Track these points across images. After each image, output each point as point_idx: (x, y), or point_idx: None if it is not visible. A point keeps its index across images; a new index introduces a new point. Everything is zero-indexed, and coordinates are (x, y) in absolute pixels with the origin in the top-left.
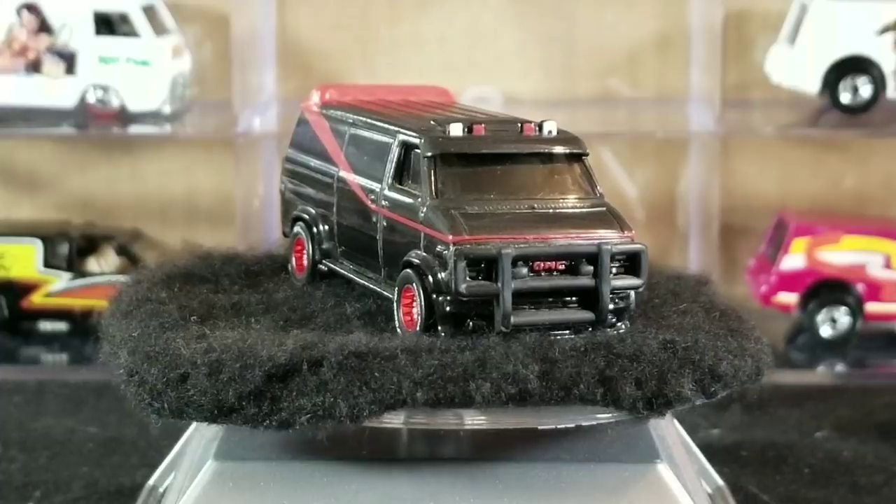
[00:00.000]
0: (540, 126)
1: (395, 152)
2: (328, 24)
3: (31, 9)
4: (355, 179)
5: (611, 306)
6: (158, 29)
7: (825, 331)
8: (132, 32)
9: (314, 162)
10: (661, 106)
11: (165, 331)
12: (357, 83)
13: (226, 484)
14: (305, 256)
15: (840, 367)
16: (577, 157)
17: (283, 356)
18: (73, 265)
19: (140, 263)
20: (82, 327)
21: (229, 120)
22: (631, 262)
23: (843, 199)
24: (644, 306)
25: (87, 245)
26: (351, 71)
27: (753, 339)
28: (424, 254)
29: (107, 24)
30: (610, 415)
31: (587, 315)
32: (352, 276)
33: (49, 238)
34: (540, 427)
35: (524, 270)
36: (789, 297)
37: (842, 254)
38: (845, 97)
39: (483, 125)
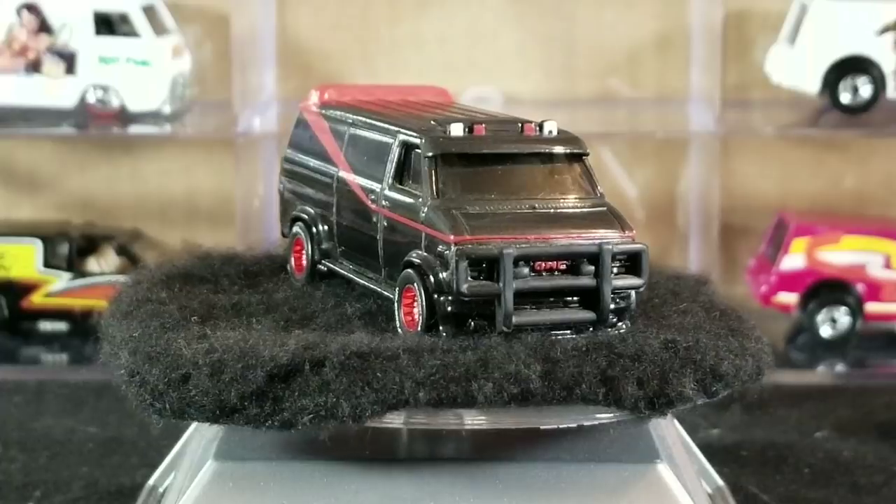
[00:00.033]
0: (540, 126)
1: (395, 152)
2: (328, 24)
3: (31, 9)
4: (355, 179)
5: (612, 306)
6: (158, 29)
7: (825, 331)
8: (132, 32)
9: (313, 162)
10: (661, 106)
11: (166, 331)
12: (357, 83)
13: (226, 484)
14: (304, 256)
15: (840, 367)
16: (577, 157)
17: (286, 356)
18: (73, 265)
19: (140, 263)
20: (82, 327)
21: (229, 120)
22: (632, 262)
23: (843, 199)
24: (644, 306)
25: (87, 245)
26: (351, 71)
27: (754, 338)
28: (425, 254)
29: (107, 24)
30: (611, 414)
31: (588, 315)
32: (352, 276)
33: (49, 238)
34: (542, 427)
35: (525, 270)
36: (789, 297)
37: (842, 254)
38: (845, 97)
39: (484, 125)
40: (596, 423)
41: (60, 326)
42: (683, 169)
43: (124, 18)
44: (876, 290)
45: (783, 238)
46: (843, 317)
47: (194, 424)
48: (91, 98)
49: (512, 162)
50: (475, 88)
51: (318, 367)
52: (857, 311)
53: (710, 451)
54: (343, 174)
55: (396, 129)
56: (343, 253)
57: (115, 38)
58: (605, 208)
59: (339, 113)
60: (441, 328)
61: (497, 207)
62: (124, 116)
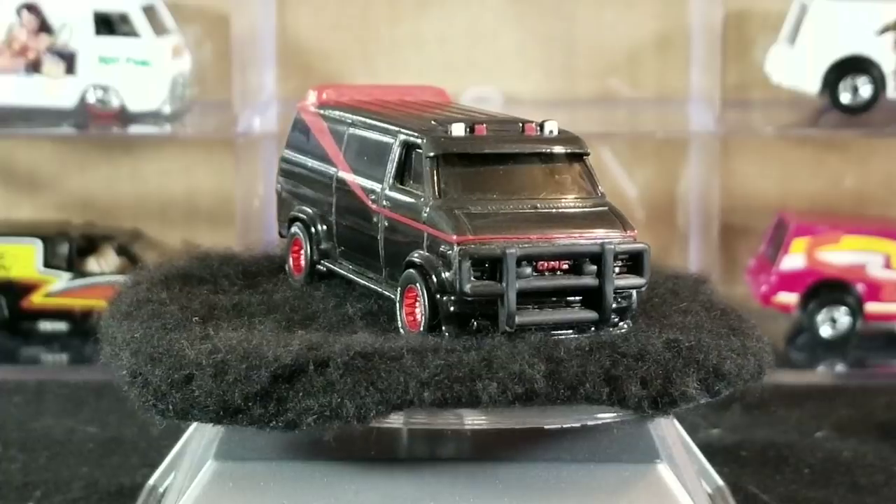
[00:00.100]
0: (541, 126)
1: (396, 152)
2: (328, 24)
3: (31, 9)
4: (355, 180)
5: (614, 306)
6: (158, 29)
7: (825, 331)
8: (132, 32)
9: (312, 162)
10: (661, 106)
11: (168, 332)
12: (356, 83)
13: (226, 484)
14: (303, 257)
15: (840, 367)
16: (578, 157)
17: (289, 357)
18: (73, 265)
19: (140, 263)
20: (82, 327)
21: (229, 120)
22: (633, 262)
23: (843, 199)
24: (644, 305)
25: (87, 245)
26: (351, 71)
27: (755, 337)
28: (427, 254)
29: (107, 24)
30: (615, 414)
31: (591, 314)
32: (352, 276)
33: (49, 238)
34: (546, 426)
35: (528, 270)
36: (789, 297)
37: (842, 254)
38: (845, 97)
39: (485, 125)
40: (598, 422)
41: (60, 326)
42: (683, 169)
43: (124, 18)
44: (876, 290)
45: (783, 238)
46: (843, 317)
47: (194, 424)
48: (91, 98)
49: (513, 162)
50: (475, 88)
51: (322, 367)
52: (857, 311)
53: (710, 451)
54: (342, 174)
55: (397, 129)
56: (342, 253)
57: (115, 38)
58: (606, 208)
59: (337, 113)
60: (444, 328)
61: (499, 207)
62: (124, 116)
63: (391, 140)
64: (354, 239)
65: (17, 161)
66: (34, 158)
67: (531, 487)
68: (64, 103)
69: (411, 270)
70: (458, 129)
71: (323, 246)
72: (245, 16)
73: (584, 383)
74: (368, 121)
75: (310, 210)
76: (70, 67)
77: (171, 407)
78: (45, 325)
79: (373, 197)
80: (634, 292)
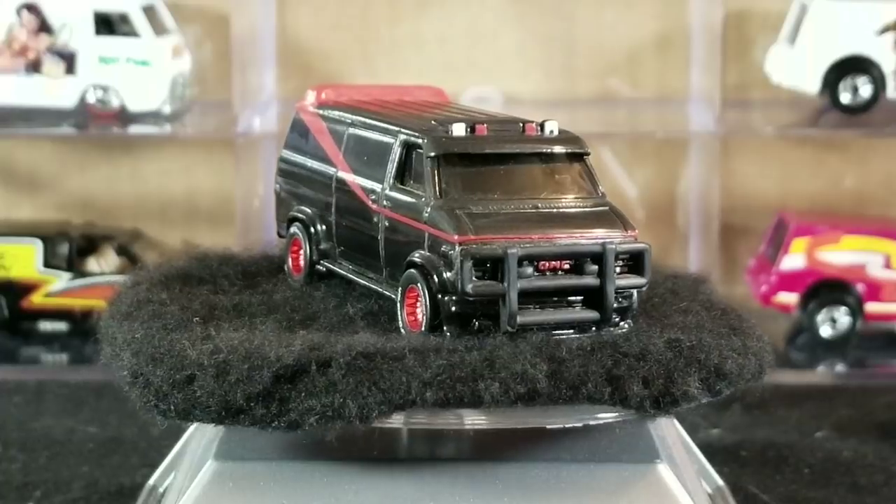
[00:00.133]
0: (542, 126)
1: (396, 152)
2: (328, 24)
3: (31, 9)
4: (355, 180)
5: (614, 305)
6: (158, 29)
7: (825, 331)
8: (132, 32)
9: (311, 162)
10: (661, 106)
11: (169, 332)
12: (356, 83)
13: (226, 484)
14: (302, 257)
15: (840, 367)
16: (578, 157)
17: (291, 357)
18: (73, 265)
19: (140, 263)
20: (82, 327)
21: (229, 120)
22: (634, 262)
23: (843, 199)
24: (644, 305)
25: (87, 245)
26: (351, 71)
27: (755, 337)
28: (429, 254)
29: (107, 24)
30: (616, 414)
31: (592, 314)
32: (352, 276)
33: (49, 238)
34: (547, 426)
35: (530, 270)
36: (789, 297)
37: (842, 254)
38: (845, 97)
39: (485, 125)
40: (600, 422)
41: (60, 326)
42: (683, 169)
43: (124, 18)
44: (876, 290)
45: (783, 238)
46: (843, 317)
47: (194, 424)
48: (91, 98)
49: (514, 162)
50: (475, 88)
51: (324, 367)
52: (857, 311)
53: (710, 451)
54: (342, 174)
55: (397, 129)
56: (342, 253)
57: (115, 38)
58: (607, 208)
59: (337, 113)
60: (445, 328)
61: (500, 207)
62: (124, 116)
63: (391, 140)
64: (354, 239)
65: (17, 161)
66: (34, 158)
67: (531, 487)
68: (64, 103)
69: (412, 270)
70: (458, 129)
71: (322, 246)
72: (245, 16)
73: (587, 383)
74: (368, 121)
75: (309, 210)
76: (70, 67)
77: (172, 407)
78: (45, 325)
79: (373, 197)
80: (635, 292)
